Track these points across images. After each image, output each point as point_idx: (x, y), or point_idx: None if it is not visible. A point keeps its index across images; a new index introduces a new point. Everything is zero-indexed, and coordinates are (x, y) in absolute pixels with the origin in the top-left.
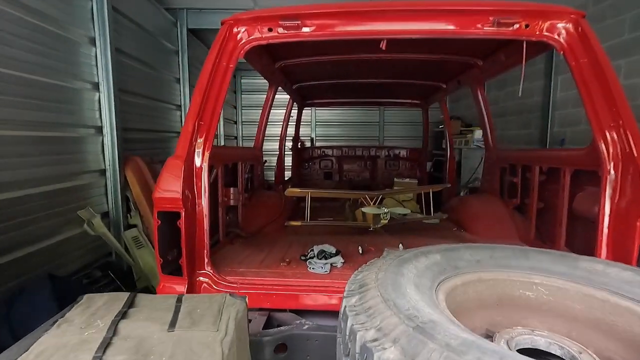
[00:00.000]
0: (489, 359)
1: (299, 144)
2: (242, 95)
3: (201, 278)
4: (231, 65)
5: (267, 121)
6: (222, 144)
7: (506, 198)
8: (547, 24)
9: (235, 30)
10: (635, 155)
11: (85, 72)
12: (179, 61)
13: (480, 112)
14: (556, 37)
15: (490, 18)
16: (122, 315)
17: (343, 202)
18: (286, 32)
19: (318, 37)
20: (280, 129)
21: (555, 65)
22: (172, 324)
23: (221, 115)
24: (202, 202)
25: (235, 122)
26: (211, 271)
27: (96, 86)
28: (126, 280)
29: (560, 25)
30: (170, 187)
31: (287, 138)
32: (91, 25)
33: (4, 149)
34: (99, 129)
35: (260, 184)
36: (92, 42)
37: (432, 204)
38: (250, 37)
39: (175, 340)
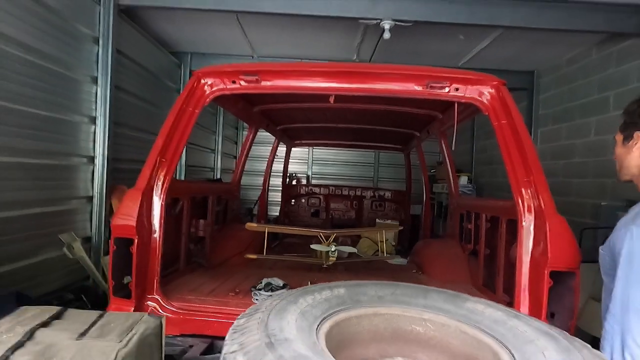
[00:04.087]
0: None
1: (290, 180)
2: (243, 132)
3: (149, 302)
4: (197, 111)
5: (245, 160)
6: (219, 176)
7: (463, 243)
8: (473, 89)
9: (203, 81)
10: (543, 208)
11: (85, 107)
12: None
13: (444, 161)
14: (481, 99)
15: (425, 81)
16: (44, 324)
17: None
18: (247, 84)
19: (275, 90)
20: (266, 167)
21: (534, 119)
22: (83, 334)
23: (219, 149)
24: (157, 232)
25: (235, 157)
26: (159, 297)
27: (93, 120)
28: (101, 305)
29: (484, 90)
30: (127, 215)
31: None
32: (95, 67)
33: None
34: (91, 159)
35: (235, 218)
36: (95, 80)
37: (406, 244)
38: (216, 88)
39: (79, 348)
